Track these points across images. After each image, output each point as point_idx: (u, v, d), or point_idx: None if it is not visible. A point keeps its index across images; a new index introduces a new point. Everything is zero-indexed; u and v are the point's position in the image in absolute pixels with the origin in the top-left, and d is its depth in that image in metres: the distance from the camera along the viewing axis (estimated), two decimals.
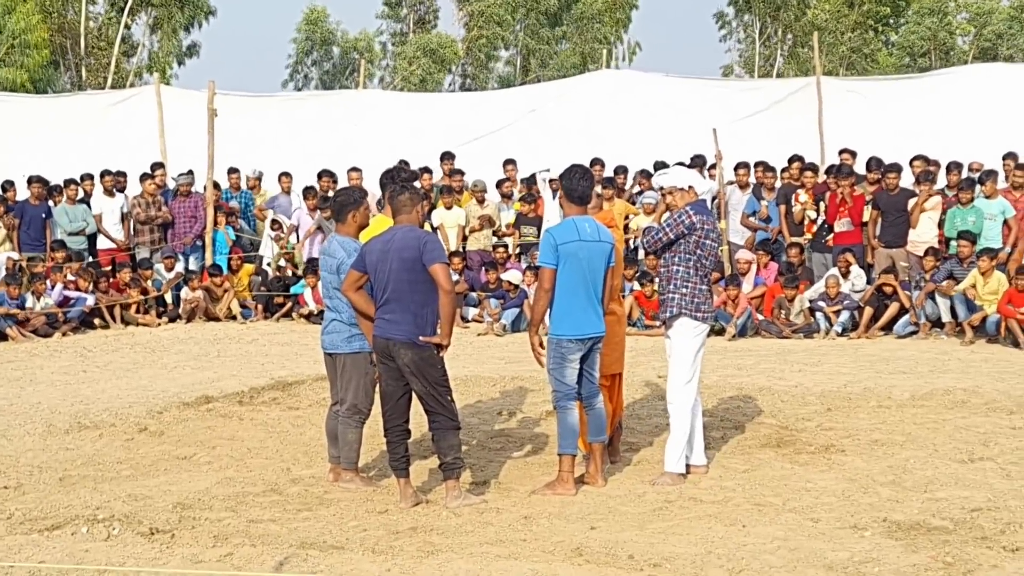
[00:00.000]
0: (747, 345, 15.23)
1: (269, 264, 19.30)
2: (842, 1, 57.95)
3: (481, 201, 18.60)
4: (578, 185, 7.98)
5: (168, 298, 18.54)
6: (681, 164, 15.24)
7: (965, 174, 17.07)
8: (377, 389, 7.87)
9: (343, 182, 18.50)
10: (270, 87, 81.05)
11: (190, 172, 19.24)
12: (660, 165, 17.59)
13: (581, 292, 7.81)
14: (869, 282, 16.16)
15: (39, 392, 12.05)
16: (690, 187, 8.24)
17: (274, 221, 19.22)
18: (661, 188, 8.43)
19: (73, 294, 17.21)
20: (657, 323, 14.64)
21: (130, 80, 48.10)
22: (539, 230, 18.06)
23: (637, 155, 19.38)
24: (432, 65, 56.21)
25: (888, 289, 15.64)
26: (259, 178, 20.57)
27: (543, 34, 60.55)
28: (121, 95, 25.62)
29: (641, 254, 17.36)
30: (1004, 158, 16.68)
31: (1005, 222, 15.78)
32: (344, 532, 6.93)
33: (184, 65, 54.57)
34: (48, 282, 17.06)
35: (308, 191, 18.96)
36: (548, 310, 7.90)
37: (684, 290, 8.10)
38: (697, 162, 17.90)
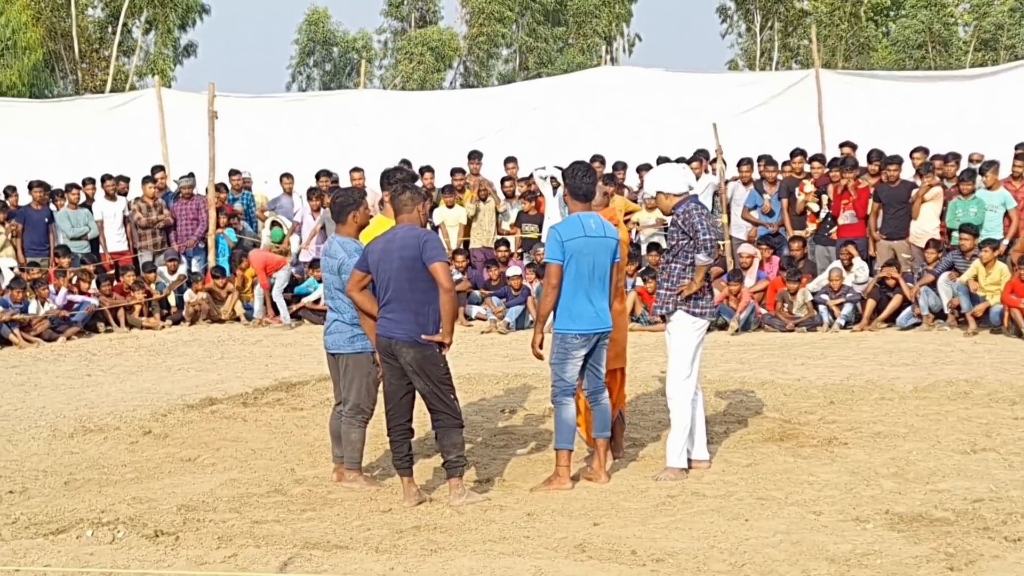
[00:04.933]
0: (750, 339, 15.24)
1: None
2: None
3: (484, 199, 18.57)
4: (582, 182, 7.99)
5: (171, 300, 18.57)
6: (667, 160, 15.31)
7: (964, 165, 17.04)
8: (380, 388, 7.90)
9: (345, 182, 18.50)
10: (271, 87, 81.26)
11: (191, 174, 19.25)
12: (663, 160, 17.59)
13: (587, 288, 7.81)
14: (872, 274, 16.17)
15: (43, 396, 12.09)
16: (659, 192, 8.21)
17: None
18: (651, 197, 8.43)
19: (77, 298, 17.23)
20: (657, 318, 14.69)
21: (129, 82, 48.02)
22: (540, 227, 18.08)
23: (639, 151, 19.32)
24: (434, 62, 56.21)
25: (890, 282, 15.66)
26: (247, 180, 20.52)
27: (541, 31, 60.53)
28: (122, 98, 25.65)
29: (644, 249, 17.38)
30: (1017, 147, 16.63)
31: (1006, 213, 15.78)
32: (348, 532, 6.95)
33: (182, 65, 54.60)
34: (51, 286, 17.08)
35: (312, 192, 18.97)
36: (555, 306, 7.91)
37: (682, 286, 8.10)
38: (699, 156, 17.89)
